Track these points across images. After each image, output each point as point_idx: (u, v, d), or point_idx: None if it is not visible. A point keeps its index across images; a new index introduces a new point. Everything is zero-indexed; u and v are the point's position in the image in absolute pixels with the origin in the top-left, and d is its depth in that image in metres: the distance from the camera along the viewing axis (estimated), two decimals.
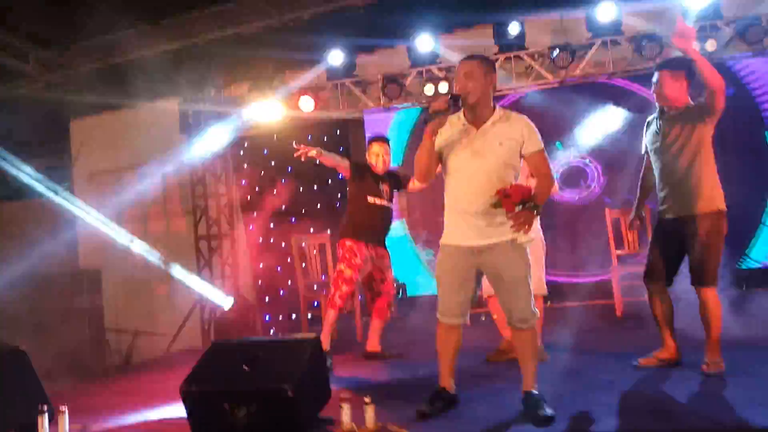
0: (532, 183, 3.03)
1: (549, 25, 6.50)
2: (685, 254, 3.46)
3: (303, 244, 5.85)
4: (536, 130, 2.90)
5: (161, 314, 6.99)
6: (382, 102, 6.71)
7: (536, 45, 6.40)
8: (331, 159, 4.40)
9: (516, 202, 2.72)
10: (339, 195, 7.18)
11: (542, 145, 2.90)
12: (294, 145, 4.28)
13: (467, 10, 6.57)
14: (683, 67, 3.46)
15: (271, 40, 7.27)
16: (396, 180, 4.61)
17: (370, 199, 4.40)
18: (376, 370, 4.23)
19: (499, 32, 6.40)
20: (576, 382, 3.42)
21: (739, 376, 3.18)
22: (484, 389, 3.40)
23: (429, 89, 6.40)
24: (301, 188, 7.23)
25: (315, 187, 7.16)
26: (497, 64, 6.36)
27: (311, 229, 7.16)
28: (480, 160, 2.83)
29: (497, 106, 2.93)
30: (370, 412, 2.79)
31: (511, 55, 6.37)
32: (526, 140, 2.85)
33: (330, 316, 4.40)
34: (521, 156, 2.87)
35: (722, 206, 3.39)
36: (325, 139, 7.27)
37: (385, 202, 4.45)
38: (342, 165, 4.44)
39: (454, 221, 2.93)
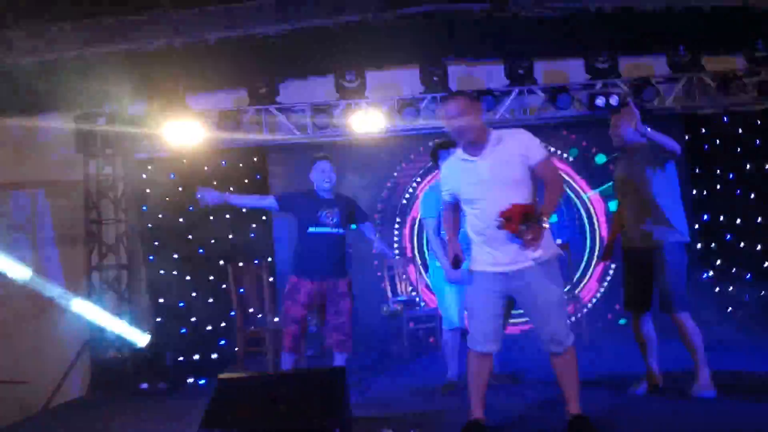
0: None
1: (471, 68, 6.89)
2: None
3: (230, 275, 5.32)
4: (535, 138, 2.95)
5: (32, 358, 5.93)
6: (310, 132, 6.52)
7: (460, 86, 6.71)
8: (245, 201, 4.19)
9: (519, 222, 2.72)
10: (253, 225, 6.73)
11: (545, 153, 2.94)
12: (197, 196, 3.99)
13: (399, 49, 6.76)
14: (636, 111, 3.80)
15: (183, 58, 6.83)
16: (350, 209, 4.18)
17: (311, 229, 3.99)
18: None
19: (426, 73, 6.63)
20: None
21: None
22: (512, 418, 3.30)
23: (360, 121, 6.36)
24: (212, 216, 6.66)
25: (227, 216, 6.63)
26: (423, 104, 6.56)
27: (221, 261, 6.64)
28: (491, 186, 2.84)
29: (491, 130, 2.96)
30: None
31: (438, 96, 6.57)
32: (528, 152, 2.88)
33: (284, 359, 4.02)
34: (531, 168, 2.88)
35: (683, 238, 3.61)
36: (241, 166, 6.82)
37: (329, 230, 4.01)
38: (263, 204, 4.17)
39: (481, 248, 2.89)
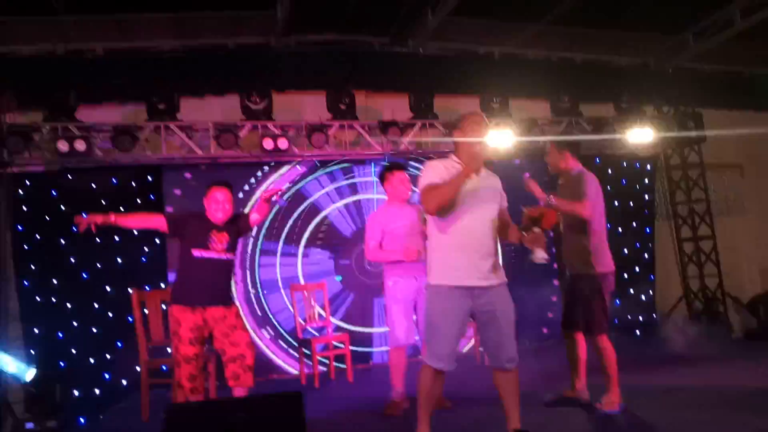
0: None
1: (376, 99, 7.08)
2: None
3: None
4: None
5: None
6: (213, 151, 6.26)
7: (367, 117, 6.85)
8: (134, 221, 3.84)
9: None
10: (146, 248, 6.27)
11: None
12: (76, 221, 3.63)
13: (305, 74, 6.78)
14: (567, 144, 4.17)
15: (69, 66, 6.31)
16: (237, 226, 3.88)
17: (196, 253, 3.68)
18: None
19: (333, 100, 6.70)
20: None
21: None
22: None
23: (268, 144, 6.23)
24: (99, 239, 6.11)
25: (116, 238, 6.12)
26: (331, 132, 6.60)
27: (107, 288, 6.11)
28: (487, 204, 2.97)
29: None
30: None
31: (345, 123, 6.65)
32: (502, 195, 3.11)
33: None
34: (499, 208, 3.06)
35: (601, 269, 3.80)
36: (133, 185, 6.36)
37: (216, 255, 3.72)
38: (152, 222, 3.81)
39: (457, 261, 2.88)
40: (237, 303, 3.91)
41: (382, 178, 4.31)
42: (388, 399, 4.06)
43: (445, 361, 2.89)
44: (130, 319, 5.95)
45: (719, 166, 7.95)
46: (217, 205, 3.76)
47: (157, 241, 6.26)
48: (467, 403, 4.05)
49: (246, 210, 6.02)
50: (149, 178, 6.38)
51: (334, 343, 5.70)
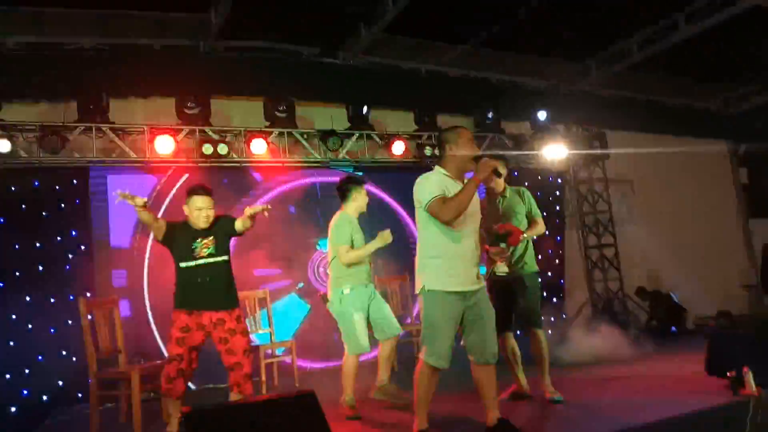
0: None
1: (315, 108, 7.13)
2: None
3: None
4: None
5: None
6: (147, 155, 6.00)
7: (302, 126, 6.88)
8: (150, 217, 3.63)
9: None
10: (70, 255, 5.85)
11: None
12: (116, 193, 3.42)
13: (241, 81, 6.69)
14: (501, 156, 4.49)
15: None
16: (225, 227, 3.79)
17: (184, 264, 3.66)
18: None
19: (270, 107, 6.68)
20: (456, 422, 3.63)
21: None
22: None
23: (207, 149, 6.09)
24: (18, 244, 5.65)
25: (38, 244, 5.67)
26: (270, 138, 6.57)
27: (27, 297, 5.64)
28: (476, 215, 3.22)
29: None
30: None
31: (285, 131, 6.64)
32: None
33: (166, 404, 3.69)
34: None
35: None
36: (57, 188, 5.88)
37: (204, 260, 3.67)
38: (155, 227, 3.66)
39: (454, 269, 3.07)
40: (239, 306, 3.77)
41: (348, 190, 4.32)
42: (343, 403, 4.09)
43: (445, 359, 3.06)
44: (52, 330, 5.62)
45: (618, 181, 8.81)
46: (199, 212, 3.66)
47: (83, 248, 5.90)
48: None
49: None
50: (74, 181, 5.99)
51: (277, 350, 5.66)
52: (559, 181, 8.50)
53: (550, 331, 7.66)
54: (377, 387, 4.22)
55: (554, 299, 8.03)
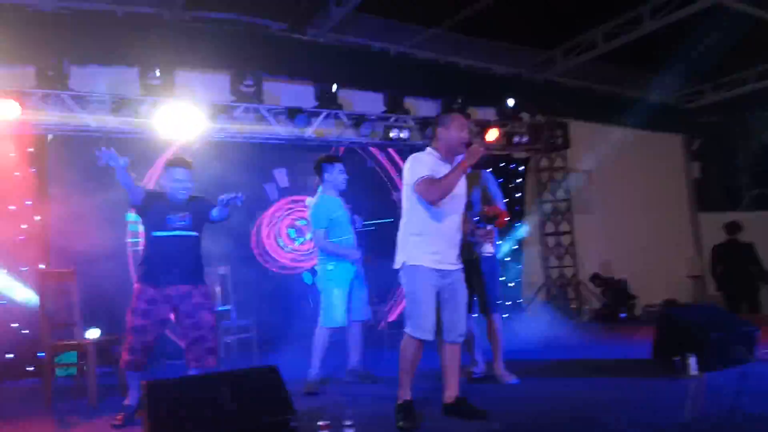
0: None
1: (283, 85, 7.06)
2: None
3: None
4: None
5: None
6: (108, 124, 5.85)
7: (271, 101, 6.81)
8: (129, 180, 3.48)
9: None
10: (24, 225, 5.68)
11: None
12: (96, 153, 3.30)
13: (207, 53, 6.56)
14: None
15: None
16: (201, 207, 3.71)
17: (156, 233, 3.57)
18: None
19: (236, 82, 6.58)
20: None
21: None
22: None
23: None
24: None
25: None
26: (237, 112, 6.47)
27: None
28: (461, 198, 3.28)
29: None
30: None
31: (251, 106, 6.56)
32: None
33: (124, 376, 3.64)
34: None
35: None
36: (12, 156, 5.69)
37: (179, 232, 3.58)
38: (135, 192, 3.53)
39: (435, 247, 3.16)
40: (206, 283, 3.71)
41: (321, 168, 4.33)
42: (308, 377, 4.12)
43: (429, 331, 3.14)
44: (3, 302, 5.49)
45: (578, 171, 9.02)
46: (178, 184, 3.60)
47: (38, 218, 5.74)
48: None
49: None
50: (29, 150, 5.79)
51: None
52: (522, 168, 8.65)
53: (506, 315, 7.89)
54: (348, 369, 4.32)
55: (512, 283, 8.23)
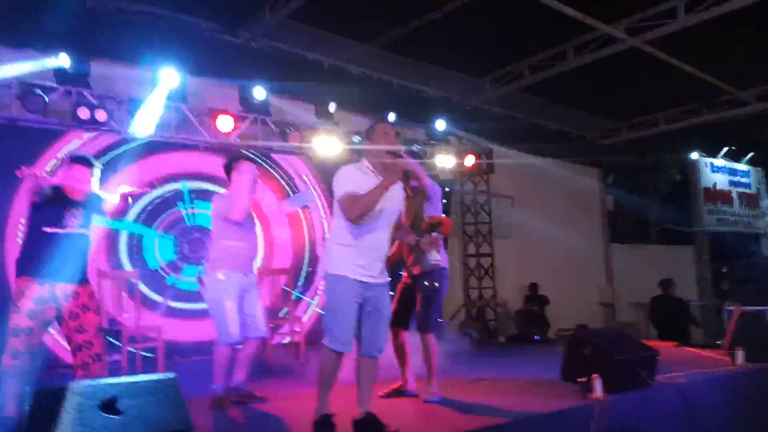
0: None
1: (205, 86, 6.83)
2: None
3: None
4: None
5: None
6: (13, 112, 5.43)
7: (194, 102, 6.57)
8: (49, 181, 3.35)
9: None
10: None
11: None
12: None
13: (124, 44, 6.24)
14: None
15: None
16: (94, 203, 3.55)
17: (49, 230, 3.34)
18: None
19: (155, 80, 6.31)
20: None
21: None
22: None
23: (83, 113, 5.62)
24: None
25: None
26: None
27: None
28: (391, 212, 3.18)
29: None
30: None
31: (173, 105, 6.30)
32: (402, 199, 3.33)
33: (8, 383, 3.23)
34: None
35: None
36: None
37: (71, 230, 3.39)
38: (44, 186, 3.33)
39: (360, 260, 3.07)
40: (90, 284, 3.47)
41: (229, 167, 4.10)
42: (214, 394, 3.88)
43: (347, 344, 3.04)
44: None
45: (500, 195, 9.28)
46: (78, 183, 3.41)
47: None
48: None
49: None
50: None
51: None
52: (447, 189, 8.78)
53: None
54: (232, 387, 4.01)
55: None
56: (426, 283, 4.04)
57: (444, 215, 3.94)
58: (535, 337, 8.36)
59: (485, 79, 8.81)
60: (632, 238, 11.31)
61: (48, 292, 3.26)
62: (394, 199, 3.21)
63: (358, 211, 3.04)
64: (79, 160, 3.51)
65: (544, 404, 3.70)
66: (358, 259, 3.09)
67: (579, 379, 3.92)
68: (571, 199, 10.22)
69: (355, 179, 3.12)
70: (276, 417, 3.66)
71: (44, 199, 3.36)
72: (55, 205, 3.37)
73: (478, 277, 8.85)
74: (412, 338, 4.22)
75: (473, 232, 8.91)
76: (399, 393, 4.17)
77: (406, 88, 8.65)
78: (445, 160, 8.04)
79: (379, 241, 3.16)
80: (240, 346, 4.04)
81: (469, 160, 8.14)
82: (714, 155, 11.20)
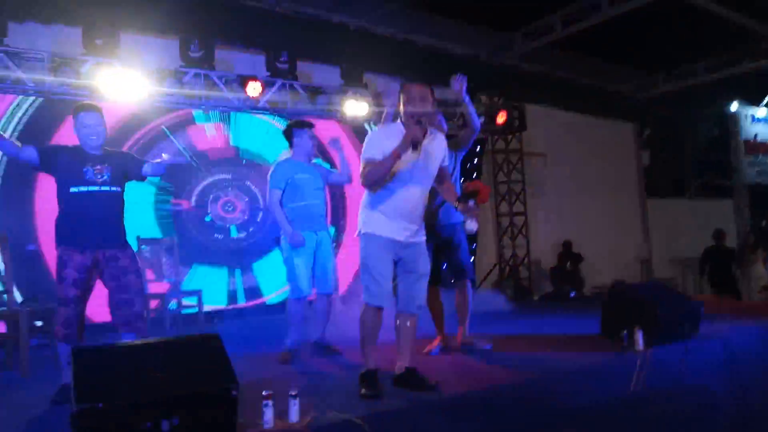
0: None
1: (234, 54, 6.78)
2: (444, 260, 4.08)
3: None
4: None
5: None
6: (48, 85, 5.48)
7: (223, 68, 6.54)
8: (9, 145, 3.17)
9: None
10: None
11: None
12: None
13: (156, 17, 6.22)
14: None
15: None
16: (125, 162, 3.40)
17: (74, 188, 3.21)
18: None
19: (185, 47, 6.29)
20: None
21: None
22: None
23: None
24: None
25: None
26: (187, 78, 6.19)
27: None
28: (423, 176, 3.08)
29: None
30: (295, 407, 2.58)
31: (201, 72, 6.27)
32: (444, 155, 3.19)
33: (61, 350, 3.28)
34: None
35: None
36: None
37: (99, 188, 3.25)
38: (22, 155, 3.18)
39: (392, 218, 3.04)
40: (131, 247, 3.43)
41: (289, 133, 4.20)
42: (284, 348, 4.01)
43: (383, 298, 3.03)
44: None
45: (533, 154, 9.08)
46: (89, 130, 3.26)
47: None
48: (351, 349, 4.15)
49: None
50: None
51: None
52: (478, 148, 8.63)
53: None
54: (311, 342, 4.18)
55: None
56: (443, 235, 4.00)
57: (480, 182, 3.85)
58: (571, 294, 8.26)
59: (515, 35, 8.55)
60: (669, 193, 10.99)
61: (89, 258, 3.23)
62: (432, 156, 3.10)
63: (370, 178, 3.00)
64: (84, 107, 3.34)
65: (584, 358, 3.66)
66: (391, 217, 3.06)
67: (619, 333, 3.85)
68: (606, 154, 9.96)
69: (380, 143, 3.01)
70: (329, 372, 3.66)
71: (44, 159, 3.23)
72: (70, 161, 3.25)
73: (512, 237, 8.74)
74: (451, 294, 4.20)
75: (506, 191, 8.76)
76: (442, 349, 4.13)
77: (431, 47, 8.45)
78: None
79: (413, 205, 3.08)
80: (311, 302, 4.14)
81: (501, 118, 7.96)
82: (756, 104, 10.74)
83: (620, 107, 10.14)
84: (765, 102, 10.90)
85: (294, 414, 2.54)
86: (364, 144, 3.11)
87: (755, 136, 10.66)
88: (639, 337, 3.69)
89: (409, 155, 2.99)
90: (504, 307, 6.81)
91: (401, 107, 3.10)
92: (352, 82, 7.24)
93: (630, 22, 7.80)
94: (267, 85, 6.58)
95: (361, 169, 3.05)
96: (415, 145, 2.97)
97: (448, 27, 8.13)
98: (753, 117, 10.78)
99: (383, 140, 3.03)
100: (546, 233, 9.08)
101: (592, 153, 9.59)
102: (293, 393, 2.54)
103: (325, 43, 7.40)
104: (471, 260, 4.31)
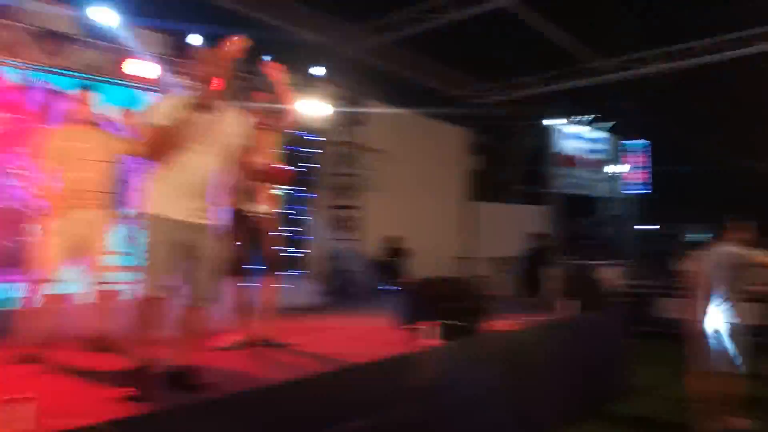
0: None
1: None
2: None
3: None
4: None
5: None
6: None
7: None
8: None
9: None
10: None
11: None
12: None
13: None
14: None
15: None
16: None
17: None
18: None
19: None
20: None
21: None
22: None
23: None
24: None
25: None
26: None
27: None
28: (215, 146, 2.84)
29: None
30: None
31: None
32: (245, 135, 2.97)
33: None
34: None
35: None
36: None
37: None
38: None
39: (174, 195, 2.77)
40: None
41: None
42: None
43: (160, 288, 2.77)
44: None
45: (370, 149, 9.21)
46: None
47: None
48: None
49: None
50: None
51: None
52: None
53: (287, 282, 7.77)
54: None
55: (297, 252, 8.14)
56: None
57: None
58: (391, 288, 8.51)
59: (363, 27, 8.60)
60: (494, 197, 11.83)
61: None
62: (225, 133, 2.89)
63: (148, 149, 2.79)
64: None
65: (378, 351, 3.73)
66: (179, 196, 2.79)
67: (415, 326, 3.99)
68: (439, 156, 10.44)
69: (163, 111, 2.78)
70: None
71: None
72: None
73: (346, 229, 8.82)
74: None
75: (341, 184, 8.82)
76: (246, 344, 3.94)
77: (281, 29, 8.22)
78: (321, 109, 7.81)
79: (199, 173, 2.82)
80: None
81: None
82: (573, 121, 11.90)
83: (455, 112, 10.68)
84: (576, 119, 12.16)
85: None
86: (147, 109, 2.89)
87: (562, 150, 11.96)
88: (431, 331, 3.86)
89: (199, 125, 2.77)
90: (320, 300, 6.84)
91: (194, 70, 2.87)
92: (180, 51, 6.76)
93: (471, 32, 8.22)
94: (80, 44, 5.91)
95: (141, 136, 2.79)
96: (205, 108, 2.77)
97: (297, 11, 7.97)
98: (565, 132, 12.03)
99: (169, 109, 2.78)
100: (378, 228, 9.28)
101: (426, 153, 10.00)
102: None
103: (157, 8, 6.83)
104: (292, 251, 4.13)
